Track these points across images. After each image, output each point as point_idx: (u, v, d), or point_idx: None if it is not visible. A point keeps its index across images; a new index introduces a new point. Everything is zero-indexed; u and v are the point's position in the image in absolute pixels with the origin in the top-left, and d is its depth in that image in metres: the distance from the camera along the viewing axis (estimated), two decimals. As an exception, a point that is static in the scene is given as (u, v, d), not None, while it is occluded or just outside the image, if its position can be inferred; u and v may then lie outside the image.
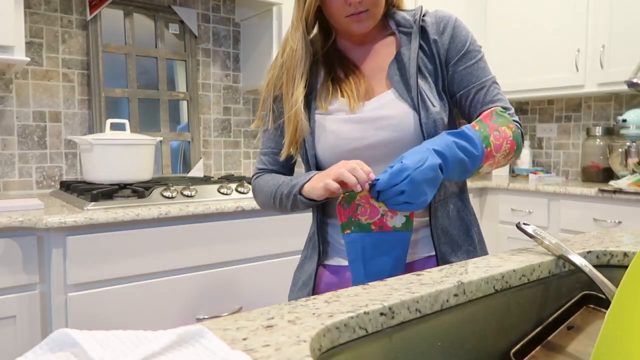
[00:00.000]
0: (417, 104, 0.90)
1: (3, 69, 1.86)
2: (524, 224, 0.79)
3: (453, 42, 0.94)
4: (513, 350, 0.69)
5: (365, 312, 0.53)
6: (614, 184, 2.18)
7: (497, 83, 0.97)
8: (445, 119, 0.93)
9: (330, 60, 1.00)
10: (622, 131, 2.43)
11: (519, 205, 2.49)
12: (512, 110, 0.95)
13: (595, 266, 0.72)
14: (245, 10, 2.36)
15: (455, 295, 0.63)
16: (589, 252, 0.83)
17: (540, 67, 2.67)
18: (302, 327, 0.49)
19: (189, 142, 2.34)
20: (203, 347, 0.43)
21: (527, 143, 3.00)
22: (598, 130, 2.59)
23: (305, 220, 1.89)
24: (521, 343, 0.70)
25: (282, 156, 0.98)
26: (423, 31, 0.95)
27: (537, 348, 0.70)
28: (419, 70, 0.93)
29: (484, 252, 1.03)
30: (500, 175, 3.04)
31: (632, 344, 0.43)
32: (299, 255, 1.07)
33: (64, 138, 2.03)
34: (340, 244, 0.97)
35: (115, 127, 1.89)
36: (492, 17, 2.89)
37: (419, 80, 0.92)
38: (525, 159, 2.97)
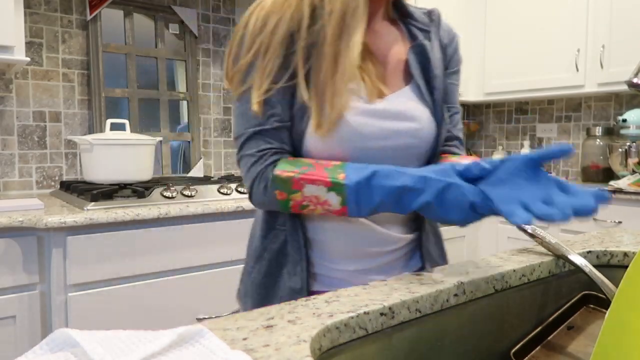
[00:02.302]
0: (439, 109, 0.80)
1: (3, 69, 1.86)
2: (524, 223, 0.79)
3: (454, 55, 0.87)
4: (513, 350, 0.69)
5: (365, 312, 0.53)
6: (614, 184, 2.18)
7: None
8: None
9: None
10: (622, 131, 2.43)
11: (519, 205, 2.49)
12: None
13: (595, 266, 0.72)
14: (245, 11, 2.36)
15: (455, 295, 0.63)
16: (589, 252, 0.83)
17: (540, 67, 2.67)
18: (302, 327, 0.49)
19: (189, 142, 2.34)
20: (203, 347, 0.43)
21: (527, 143, 3.00)
22: (598, 130, 2.59)
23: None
24: (521, 343, 0.70)
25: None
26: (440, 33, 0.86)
27: (537, 348, 0.70)
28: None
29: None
30: (500, 175, 3.04)
31: (632, 344, 0.43)
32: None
33: (64, 138, 2.03)
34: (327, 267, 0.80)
35: (115, 127, 1.89)
36: (492, 17, 2.89)
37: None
38: (525, 159, 2.97)
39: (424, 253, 0.83)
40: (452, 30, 0.89)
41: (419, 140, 0.78)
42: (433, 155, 0.82)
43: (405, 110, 0.77)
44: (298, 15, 0.74)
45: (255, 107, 0.73)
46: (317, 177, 0.70)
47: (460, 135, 0.89)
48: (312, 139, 0.74)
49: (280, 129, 0.75)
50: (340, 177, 0.69)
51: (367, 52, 0.79)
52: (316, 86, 0.73)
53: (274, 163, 0.74)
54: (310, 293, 0.79)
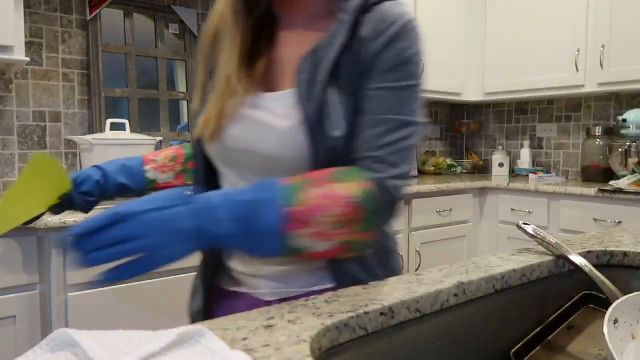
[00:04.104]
0: (315, 120, 0.66)
1: (3, 69, 1.86)
2: (524, 224, 0.79)
3: (386, 49, 0.67)
4: (513, 350, 0.69)
5: (365, 312, 0.53)
6: (614, 184, 2.18)
7: (413, 127, 0.67)
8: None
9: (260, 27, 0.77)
10: (622, 131, 2.43)
11: (519, 205, 2.49)
12: (401, 172, 0.66)
13: (595, 266, 0.72)
14: (245, 10, 2.36)
15: (455, 295, 0.63)
16: (589, 252, 0.83)
17: (540, 67, 2.67)
18: (302, 327, 0.49)
19: (189, 142, 2.34)
20: (203, 347, 0.43)
21: (527, 143, 3.00)
22: (598, 130, 2.59)
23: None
24: (521, 343, 0.70)
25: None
26: (359, 25, 0.69)
27: (537, 348, 0.70)
28: (335, 76, 0.67)
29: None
30: (500, 175, 3.04)
31: None
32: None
33: (64, 138, 2.03)
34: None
35: (115, 127, 1.89)
36: (492, 17, 2.89)
37: (329, 90, 0.67)
38: (525, 159, 2.97)
39: (336, 271, 0.72)
40: (388, 19, 0.68)
41: (283, 151, 0.68)
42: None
43: (270, 114, 0.70)
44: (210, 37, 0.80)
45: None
46: None
47: (382, 152, 0.66)
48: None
49: None
50: None
51: (271, 47, 0.75)
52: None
53: None
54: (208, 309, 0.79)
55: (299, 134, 0.67)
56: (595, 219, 2.19)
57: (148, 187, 0.92)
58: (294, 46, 0.73)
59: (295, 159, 0.68)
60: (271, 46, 0.75)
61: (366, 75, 0.68)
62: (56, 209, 0.87)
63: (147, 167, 0.91)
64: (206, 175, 0.79)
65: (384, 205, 0.65)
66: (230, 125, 0.72)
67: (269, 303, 0.74)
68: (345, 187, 0.62)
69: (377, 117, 0.67)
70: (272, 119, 0.69)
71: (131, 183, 0.91)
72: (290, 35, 0.75)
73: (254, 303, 0.75)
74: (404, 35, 0.67)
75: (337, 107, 0.67)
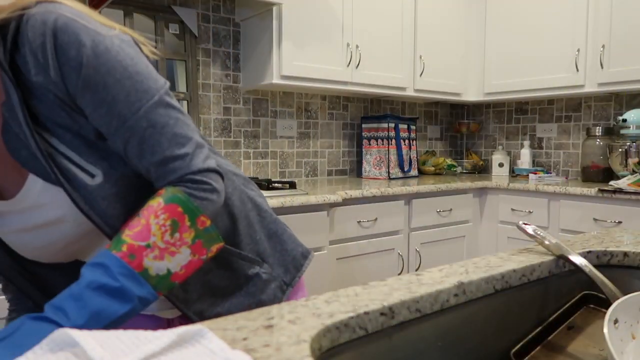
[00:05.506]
0: (62, 182, 0.60)
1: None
2: (524, 224, 0.79)
3: (62, 71, 0.58)
4: (513, 350, 0.69)
5: (365, 312, 0.53)
6: (614, 184, 2.18)
7: (151, 105, 0.61)
8: (139, 184, 0.64)
9: None
10: (622, 131, 2.43)
11: (519, 205, 2.49)
12: (189, 149, 0.63)
13: (595, 266, 0.72)
14: (245, 10, 2.36)
15: (455, 295, 0.63)
16: (589, 252, 0.83)
17: (540, 67, 2.67)
18: (302, 327, 0.49)
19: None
20: (203, 347, 0.43)
21: (527, 143, 3.00)
22: (598, 130, 2.59)
23: (305, 219, 1.89)
24: (521, 343, 0.70)
25: None
26: (23, 71, 0.58)
27: (537, 348, 0.70)
28: (48, 132, 0.60)
29: (288, 271, 0.82)
30: (500, 175, 3.04)
31: None
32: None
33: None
34: None
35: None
36: (492, 17, 2.89)
37: (53, 149, 0.60)
38: (525, 159, 2.97)
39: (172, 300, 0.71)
40: (37, 43, 0.57)
41: (72, 231, 0.64)
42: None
43: (35, 209, 0.63)
44: None
45: None
46: None
47: (157, 155, 0.62)
48: None
49: None
50: None
51: None
52: None
53: None
54: None
55: (76, 213, 0.63)
56: (595, 219, 2.19)
57: None
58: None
59: (85, 229, 0.65)
60: None
61: (74, 105, 0.60)
62: None
63: None
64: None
65: (199, 183, 0.63)
66: (12, 241, 0.66)
67: (170, 321, 0.81)
68: (153, 201, 0.61)
69: (121, 133, 0.61)
70: (45, 214, 0.63)
71: None
72: None
73: (159, 323, 0.80)
74: (61, 47, 0.57)
75: (72, 156, 0.61)
